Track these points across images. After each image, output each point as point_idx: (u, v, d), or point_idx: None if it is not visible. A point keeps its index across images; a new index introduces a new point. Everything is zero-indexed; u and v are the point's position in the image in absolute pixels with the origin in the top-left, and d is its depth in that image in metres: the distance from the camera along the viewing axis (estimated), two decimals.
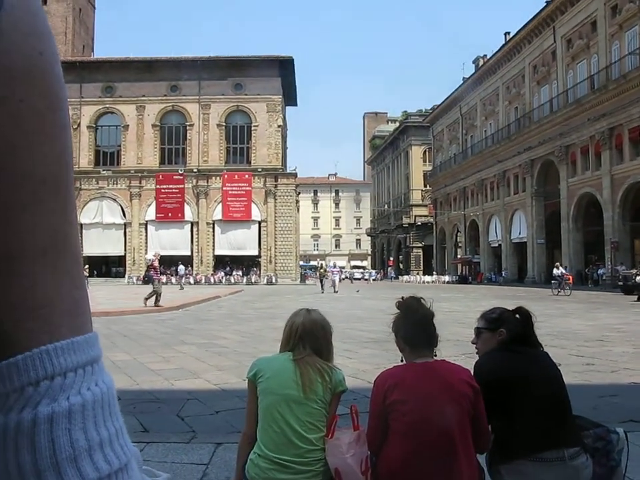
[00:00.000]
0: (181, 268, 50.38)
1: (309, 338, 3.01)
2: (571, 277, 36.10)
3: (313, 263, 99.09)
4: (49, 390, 0.45)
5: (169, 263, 58.96)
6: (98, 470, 0.46)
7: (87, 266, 49.53)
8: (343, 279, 48.87)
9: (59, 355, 0.46)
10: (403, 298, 3.08)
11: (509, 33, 61.55)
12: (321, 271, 43.14)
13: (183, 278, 48.26)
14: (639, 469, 3.94)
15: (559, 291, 33.77)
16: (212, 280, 56.05)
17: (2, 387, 0.45)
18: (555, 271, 35.07)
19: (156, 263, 21.97)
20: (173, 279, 55.79)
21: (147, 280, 21.93)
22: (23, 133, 0.45)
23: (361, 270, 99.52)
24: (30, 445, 0.44)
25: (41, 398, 0.45)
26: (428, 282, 68.17)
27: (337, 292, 37.14)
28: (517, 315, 3.41)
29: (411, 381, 2.82)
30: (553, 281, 35.60)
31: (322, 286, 39.33)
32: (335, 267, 45.30)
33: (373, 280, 75.66)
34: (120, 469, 0.48)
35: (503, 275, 58.57)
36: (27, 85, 0.46)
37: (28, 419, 0.44)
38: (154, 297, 21.12)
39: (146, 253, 58.09)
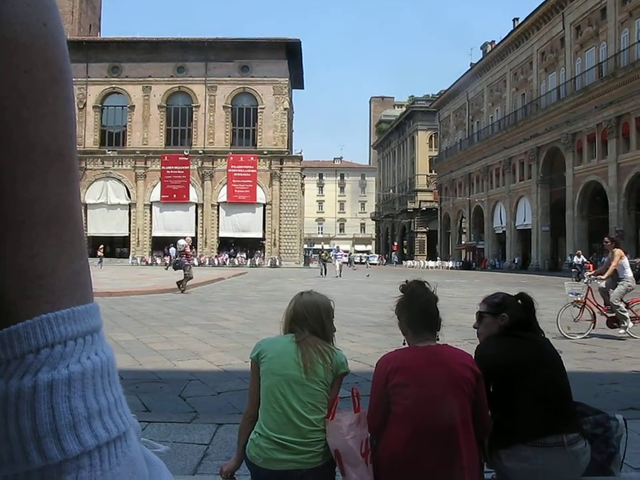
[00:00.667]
0: (173, 250, 50.21)
1: (301, 321, 3.02)
2: (591, 266, 33.67)
3: (317, 246, 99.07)
4: (49, 358, 0.46)
5: (173, 244, 59.22)
6: (97, 437, 0.47)
7: (101, 246, 49.70)
8: (345, 263, 48.16)
9: (60, 324, 0.47)
10: (407, 281, 3.09)
11: (517, 19, 61.22)
12: (322, 255, 41.95)
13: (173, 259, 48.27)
14: (637, 455, 3.96)
15: (578, 281, 32.19)
16: (216, 262, 56.14)
17: (3, 353, 0.45)
18: (576, 259, 33.08)
19: (188, 249, 21.80)
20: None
21: (177, 266, 21.57)
22: (27, 104, 0.46)
23: (365, 254, 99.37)
24: (30, 411, 0.45)
25: (41, 365, 0.45)
26: (431, 267, 68.16)
27: (339, 277, 36.49)
28: (519, 301, 3.42)
29: (413, 364, 2.83)
30: (572, 270, 33.00)
31: (323, 270, 38.67)
32: (338, 251, 43.97)
33: (371, 264, 74.82)
34: (118, 437, 0.49)
35: (515, 261, 57.86)
36: (30, 57, 0.46)
37: (28, 385, 0.45)
38: (184, 281, 21.06)
39: (150, 234, 58.36)
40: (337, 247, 41.71)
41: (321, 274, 37.86)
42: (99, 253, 47.02)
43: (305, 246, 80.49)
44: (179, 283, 21.10)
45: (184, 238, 22.94)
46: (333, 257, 41.89)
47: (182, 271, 21.20)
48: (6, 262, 0.46)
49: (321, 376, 2.88)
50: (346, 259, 46.92)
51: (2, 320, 0.46)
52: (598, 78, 44.08)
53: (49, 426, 0.45)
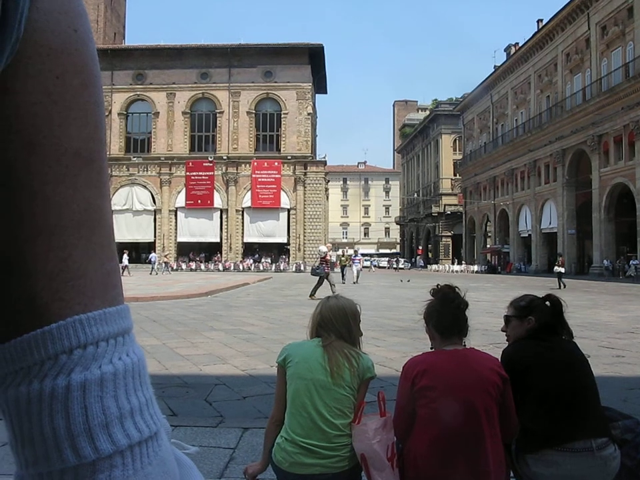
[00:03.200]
0: (153, 255, 48.92)
1: (327, 326, 3.02)
2: None
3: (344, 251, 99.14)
4: (82, 358, 0.47)
5: (198, 249, 59.47)
6: (129, 437, 0.48)
7: (166, 252, 49.91)
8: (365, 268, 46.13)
9: (92, 325, 0.48)
10: (438, 286, 3.07)
11: (541, 20, 60.76)
12: (342, 259, 38.39)
13: (156, 264, 47.61)
14: None
15: None
16: (241, 267, 56.34)
17: (37, 354, 0.46)
18: None
19: (328, 256, 21.52)
20: (202, 265, 56.21)
21: (318, 272, 21.15)
22: (59, 109, 0.46)
23: (387, 258, 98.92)
24: (64, 411, 0.46)
25: (74, 366, 0.46)
26: (457, 271, 67.88)
27: (356, 282, 33.84)
28: (547, 303, 3.38)
29: (440, 367, 2.82)
30: None
31: (343, 275, 35.25)
32: (357, 255, 41.06)
33: (376, 267, 72.66)
34: (150, 437, 0.50)
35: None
36: (62, 62, 0.47)
37: (62, 385, 0.46)
38: (332, 287, 20.64)
39: (176, 239, 58.76)
40: (355, 250, 39.98)
41: (343, 280, 34.71)
42: (165, 259, 47.15)
43: (330, 252, 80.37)
44: (332, 289, 20.42)
45: (325, 244, 22.56)
46: (351, 261, 38.95)
47: (319, 277, 20.94)
48: (38, 264, 0.46)
49: (347, 380, 2.87)
50: (367, 263, 45.77)
51: (35, 322, 0.47)
52: (625, 78, 43.51)
53: (82, 425, 0.46)
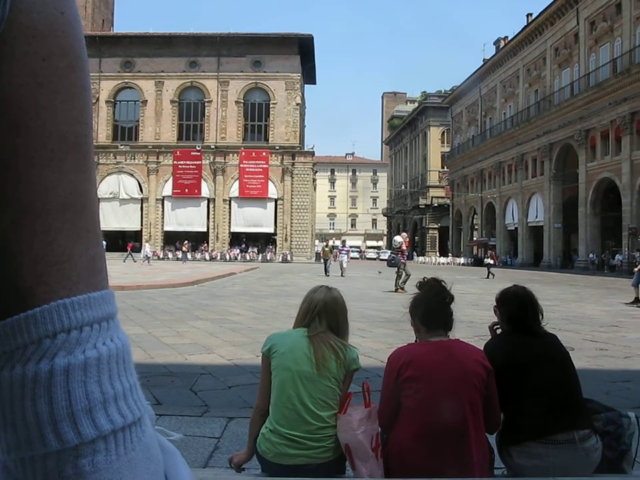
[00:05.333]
0: (104, 244, 46.90)
1: (327, 315, 3.02)
2: None
3: (330, 242, 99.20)
4: (66, 343, 0.46)
5: (184, 239, 59.29)
6: (112, 422, 0.47)
7: (186, 241, 49.76)
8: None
9: (76, 309, 0.47)
10: (425, 279, 3.08)
11: (531, 14, 60.82)
12: (326, 250, 35.21)
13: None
14: None
15: None
16: (227, 256, 56.26)
17: (20, 338, 0.46)
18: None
19: (404, 246, 20.95)
20: (189, 255, 56.07)
21: (393, 263, 20.61)
22: (45, 91, 0.46)
23: (376, 250, 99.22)
24: (47, 395, 0.45)
25: (58, 350, 0.46)
26: (443, 263, 68.10)
27: (343, 276, 31.17)
28: (516, 296, 3.39)
29: (425, 358, 2.83)
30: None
31: (326, 268, 32.47)
32: (344, 246, 38.74)
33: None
34: (133, 422, 0.49)
35: (548, 260, 55.09)
36: (48, 44, 0.46)
37: (45, 369, 0.45)
38: (405, 279, 20.17)
39: (162, 228, 58.50)
40: (343, 241, 38.04)
41: (325, 272, 32.29)
42: (184, 249, 46.98)
43: (317, 241, 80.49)
44: (402, 283, 20.16)
45: (399, 234, 22.02)
46: (337, 253, 36.49)
47: (398, 268, 20.53)
48: (22, 248, 0.46)
49: (333, 372, 2.88)
50: (355, 254, 44.80)
51: (19, 305, 0.46)
52: (612, 74, 43.69)
53: (65, 410, 0.45)
